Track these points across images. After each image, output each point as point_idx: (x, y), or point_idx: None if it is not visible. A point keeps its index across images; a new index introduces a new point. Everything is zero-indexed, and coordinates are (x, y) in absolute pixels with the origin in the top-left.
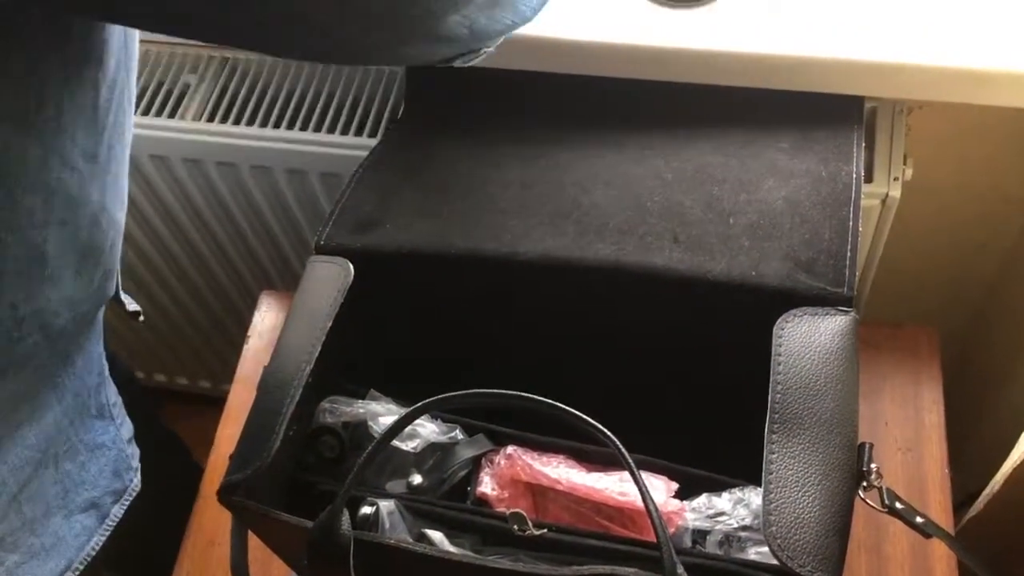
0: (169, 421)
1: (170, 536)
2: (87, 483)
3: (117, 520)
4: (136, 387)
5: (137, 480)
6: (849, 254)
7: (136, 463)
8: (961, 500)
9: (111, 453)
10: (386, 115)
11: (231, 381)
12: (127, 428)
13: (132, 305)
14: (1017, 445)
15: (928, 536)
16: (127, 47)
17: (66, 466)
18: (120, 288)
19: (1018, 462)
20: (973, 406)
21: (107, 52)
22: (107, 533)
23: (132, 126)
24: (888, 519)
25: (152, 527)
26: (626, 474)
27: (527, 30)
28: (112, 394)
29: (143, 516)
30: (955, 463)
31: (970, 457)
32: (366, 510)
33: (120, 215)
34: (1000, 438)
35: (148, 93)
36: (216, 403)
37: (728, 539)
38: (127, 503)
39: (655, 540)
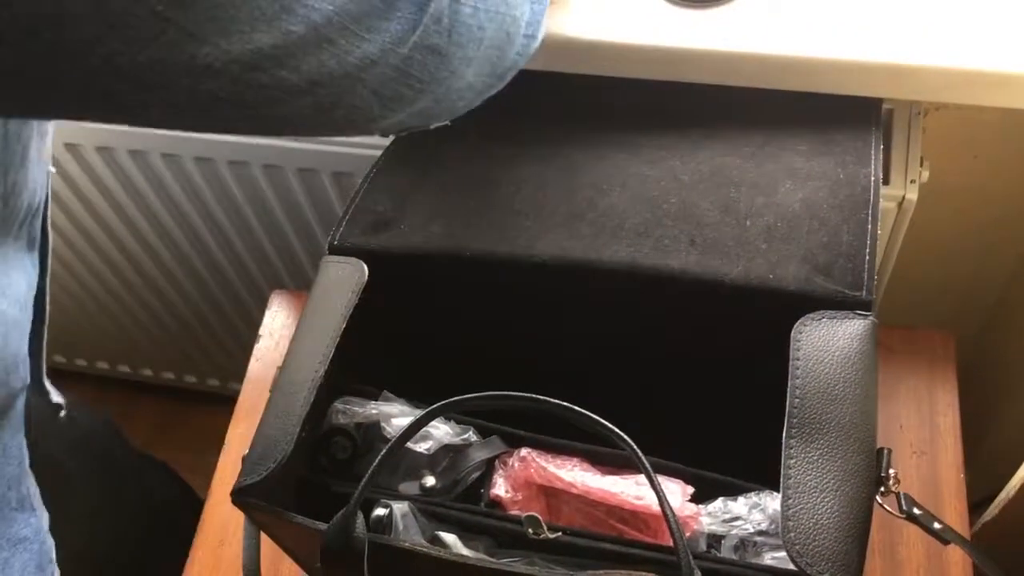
0: (176, 420)
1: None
2: None
3: None
4: (115, 435)
5: (57, 573)
6: (868, 257)
7: (54, 554)
8: (975, 503)
9: (34, 547)
10: None
11: (240, 380)
12: (46, 518)
13: (56, 396)
14: None
15: (946, 543)
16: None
17: None
18: (44, 376)
19: None
20: (988, 409)
21: None
22: None
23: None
24: (903, 522)
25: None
26: (641, 477)
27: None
28: (31, 484)
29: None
30: (969, 466)
31: (984, 460)
32: (379, 512)
33: (3, 305)
34: (1015, 441)
35: None
36: (225, 401)
37: (744, 544)
38: None
39: (671, 544)
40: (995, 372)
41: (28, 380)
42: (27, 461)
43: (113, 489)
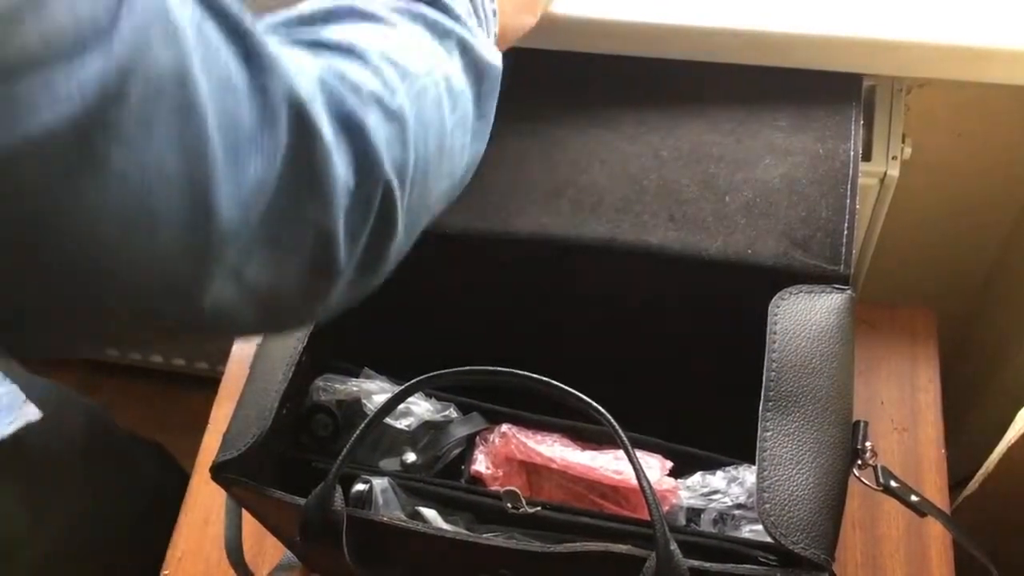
0: (166, 403)
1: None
2: None
3: None
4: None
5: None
6: (846, 232)
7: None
8: (958, 481)
9: None
10: None
11: (227, 362)
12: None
13: None
14: (1012, 425)
15: (922, 515)
16: None
17: None
18: None
19: (1012, 441)
20: (972, 387)
21: None
22: None
23: None
24: (883, 498)
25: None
26: (620, 453)
27: None
28: None
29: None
30: (953, 445)
31: (968, 439)
32: (359, 487)
33: None
34: (998, 420)
35: None
36: (214, 384)
37: (722, 517)
38: None
39: (649, 518)
40: (980, 349)
41: None
42: None
43: (99, 472)
